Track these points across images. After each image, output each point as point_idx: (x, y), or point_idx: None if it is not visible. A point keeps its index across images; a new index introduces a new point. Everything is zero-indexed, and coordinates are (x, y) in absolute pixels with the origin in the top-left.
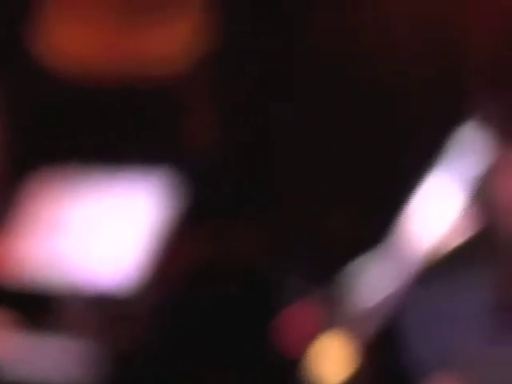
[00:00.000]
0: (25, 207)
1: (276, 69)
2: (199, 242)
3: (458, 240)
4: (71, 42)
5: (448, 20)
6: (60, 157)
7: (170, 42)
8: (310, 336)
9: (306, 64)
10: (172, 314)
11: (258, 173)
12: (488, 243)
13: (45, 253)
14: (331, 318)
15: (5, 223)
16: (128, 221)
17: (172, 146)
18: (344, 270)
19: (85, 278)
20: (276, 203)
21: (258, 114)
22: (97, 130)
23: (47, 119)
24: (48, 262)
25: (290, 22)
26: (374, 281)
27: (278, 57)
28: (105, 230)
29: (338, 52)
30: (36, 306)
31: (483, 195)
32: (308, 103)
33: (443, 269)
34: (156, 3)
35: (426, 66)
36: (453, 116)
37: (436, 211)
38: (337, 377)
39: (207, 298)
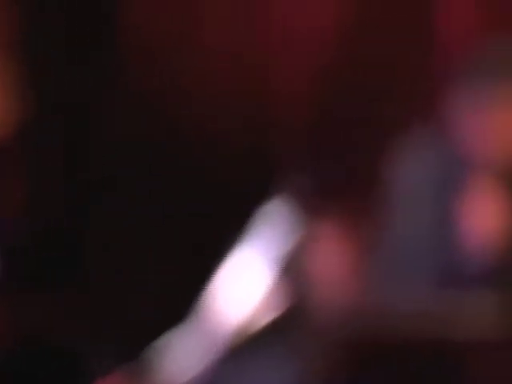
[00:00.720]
0: None
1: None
2: (3, 314)
3: (267, 315)
4: None
5: (256, 91)
6: None
7: None
8: None
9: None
10: None
11: (66, 248)
12: (296, 317)
13: None
14: None
15: None
16: None
17: None
18: (153, 345)
19: None
20: (84, 280)
21: (68, 187)
22: None
23: None
24: None
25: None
26: (184, 356)
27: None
28: None
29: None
30: None
31: (292, 270)
32: (115, 179)
33: (253, 344)
34: None
35: (234, 140)
36: (261, 190)
37: (244, 286)
38: None
39: (14, 373)
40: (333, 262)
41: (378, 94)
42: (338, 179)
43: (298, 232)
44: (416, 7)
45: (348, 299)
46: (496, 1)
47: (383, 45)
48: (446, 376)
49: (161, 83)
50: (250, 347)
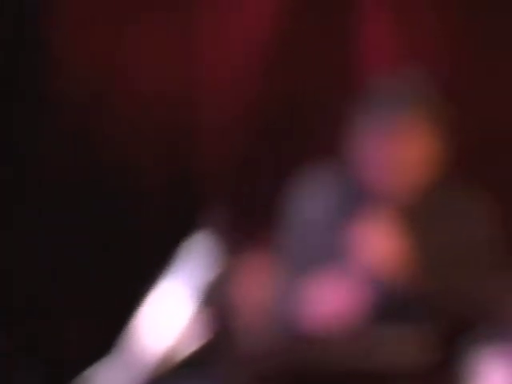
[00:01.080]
0: None
1: None
2: None
3: (191, 345)
4: None
5: (180, 122)
6: None
7: None
8: None
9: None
10: None
11: None
12: (219, 348)
13: None
14: None
15: None
16: None
17: None
18: (79, 377)
19: None
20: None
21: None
22: None
23: None
24: None
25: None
26: None
27: None
28: None
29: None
30: None
31: (215, 300)
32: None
33: (176, 374)
34: None
35: (158, 171)
36: (185, 222)
37: (168, 317)
38: None
39: None
40: (255, 293)
41: (294, 127)
42: (257, 211)
43: (221, 263)
44: (330, 40)
45: (271, 330)
46: (407, 34)
47: (300, 81)
48: None
49: (85, 114)
50: (173, 377)
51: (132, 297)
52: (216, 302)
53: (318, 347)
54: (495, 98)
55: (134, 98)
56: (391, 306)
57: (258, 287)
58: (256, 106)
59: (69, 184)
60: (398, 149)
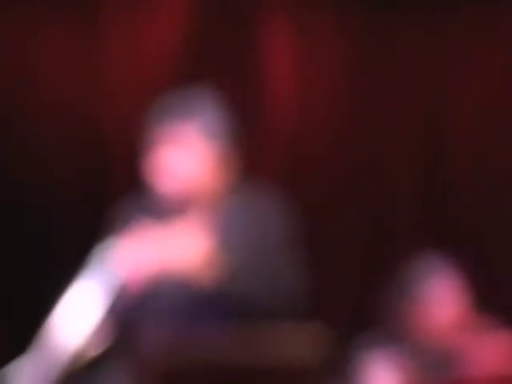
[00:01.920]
0: None
1: None
2: None
3: (97, 347)
4: None
5: (91, 143)
6: None
7: None
8: None
9: None
10: None
11: None
12: (120, 351)
13: None
14: None
15: None
16: None
17: None
18: None
19: None
20: None
21: None
22: None
23: None
24: None
25: None
26: None
27: None
28: None
29: None
30: None
31: (120, 304)
32: None
33: (84, 373)
34: None
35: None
36: (95, 230)
37: (78, 319)
38: None
39: None
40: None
41: None
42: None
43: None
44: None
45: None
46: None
47: None
48: None
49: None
50: (82, 375)
51: (45, 296)
52: (121, 305)
53: (202, 346)
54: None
55: (46, 113)
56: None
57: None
58: None
59: None
60: (173, 158)
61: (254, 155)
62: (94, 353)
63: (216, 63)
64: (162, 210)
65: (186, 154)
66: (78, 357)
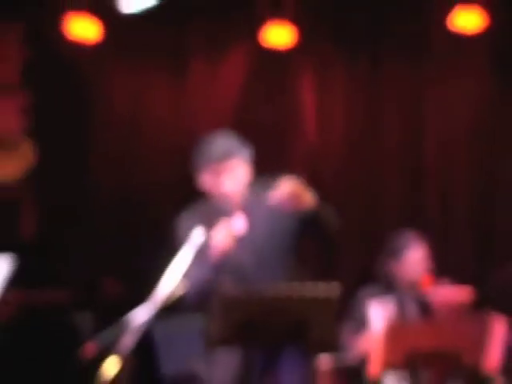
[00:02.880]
0: None
1: None
2: None
3: (183, 289)
4: None
5: None
6: None
7: None
8: None
9: None
10: None
11: None
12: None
13: None
14: None
15: None
16: None
17: None
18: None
19: None
20: None
21: None
22: None
23: None
24: None
25: None
26: None
27: None
28: None
29: None
30: None
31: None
32: None
33: (172, 308)
34: None
35: None
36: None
37: (177, 273)
38: None
39: None
40: None
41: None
42: None
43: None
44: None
45: None
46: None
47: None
48: None
49: None
50: (172, 308)
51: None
52: None
53: None
54: None
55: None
56: None
57: None
58: None
59: None
60: (237, 176)
61: (283, 166)
62: (181, 293)
63: (265, 97)
64: (222, 210)
65: (242, 174)
66: (170, 297)
